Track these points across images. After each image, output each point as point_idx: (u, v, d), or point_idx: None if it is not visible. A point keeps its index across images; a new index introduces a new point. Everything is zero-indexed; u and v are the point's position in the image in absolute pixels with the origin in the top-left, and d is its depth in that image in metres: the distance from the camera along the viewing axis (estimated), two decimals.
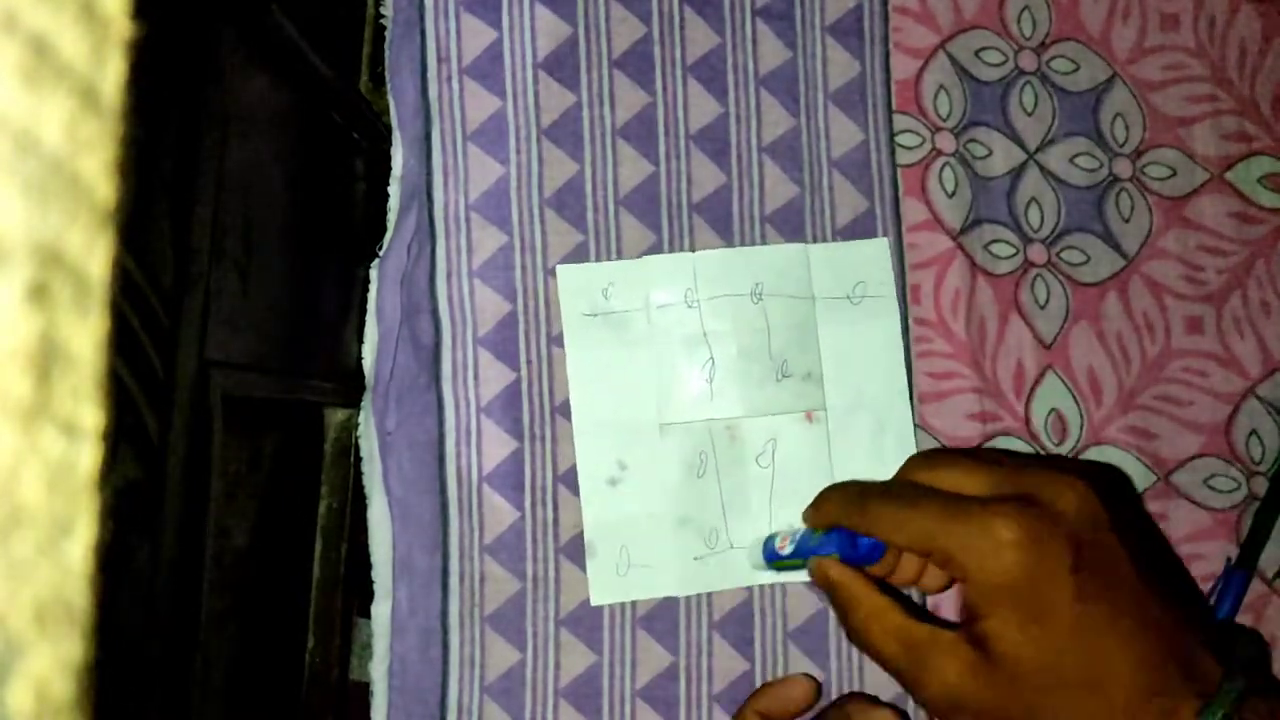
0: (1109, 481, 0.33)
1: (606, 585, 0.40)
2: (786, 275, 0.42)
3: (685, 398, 0.41)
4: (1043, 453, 0.42)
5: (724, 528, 0.41)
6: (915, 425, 0.42)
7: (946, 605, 0.41)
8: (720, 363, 0.41)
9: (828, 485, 0.37)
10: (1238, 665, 0.29)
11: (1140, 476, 0.42)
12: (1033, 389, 0.43)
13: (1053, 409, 0.43)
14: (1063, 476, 0.31)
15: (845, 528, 0.35)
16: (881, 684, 0.41)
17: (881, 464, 0.41)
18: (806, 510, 0.37)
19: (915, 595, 0.41)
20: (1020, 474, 0.32)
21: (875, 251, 0.42)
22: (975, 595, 0.30)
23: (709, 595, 0.41)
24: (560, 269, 0.41)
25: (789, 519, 0.40)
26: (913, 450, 0.41)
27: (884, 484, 0.36)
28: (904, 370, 0.42)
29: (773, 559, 0.38)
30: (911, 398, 0.42)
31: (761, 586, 0.41)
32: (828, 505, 0.36)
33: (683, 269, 0.41)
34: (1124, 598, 0.30)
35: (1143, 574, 0.31)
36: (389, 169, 0.42)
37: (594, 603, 0.40)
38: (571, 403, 0.40)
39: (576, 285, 0.41)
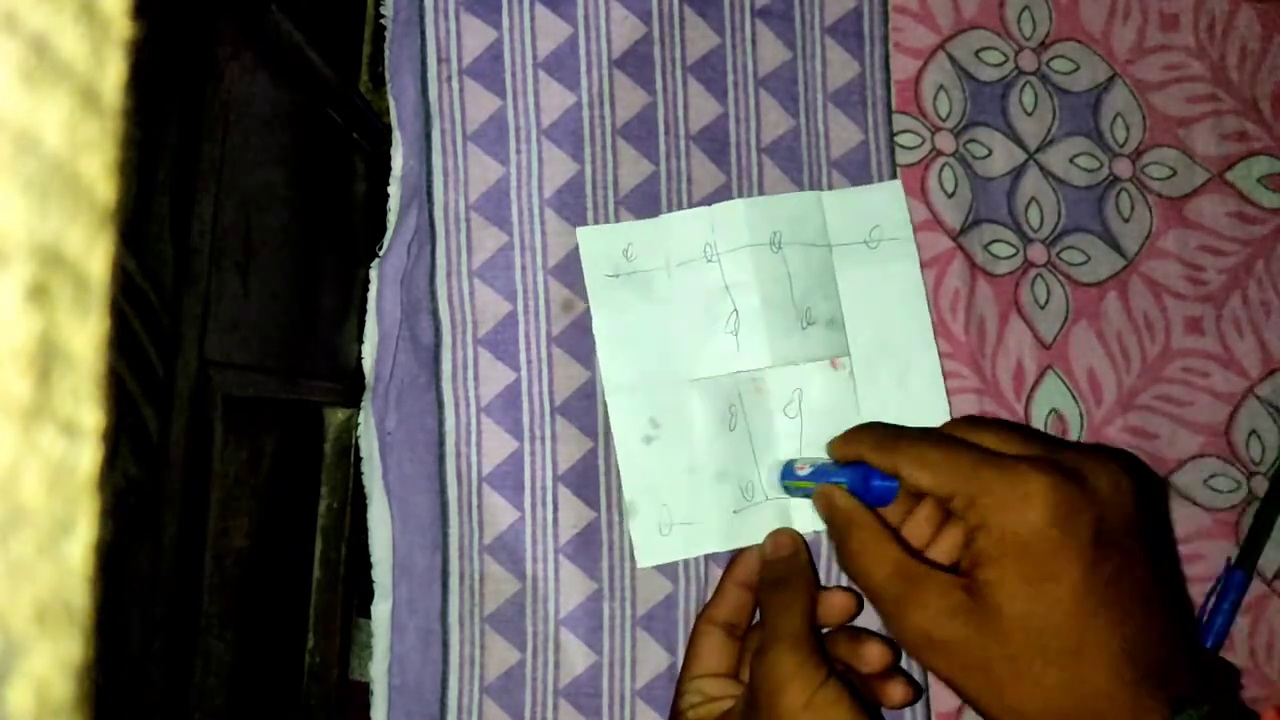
0: (1144, 481, 0.33)
1: (652, 547, 0.40)
2: (803, 223, 0.41)
3: (712, 352, 0.41)
4: None
5: (758, 480, 0.41)
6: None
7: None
8: (744, 314, 0.40)
9: (861, 423, 0.38)
10: (1211, 688, 0.29)
11: None
12: (1033, 389, 0.43)
13: (1053, 409, 0.43)
14: (1105, 461, 0.31)
15: (868, 464, 0.35)
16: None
17: (909, 407, 0.41)
18: (833, 441, 0.38)
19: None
20: (1061, 448, 0.32)
21: (889, 194, 0.42)
22: (987, 543, 0.30)
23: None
24: (580, 231, 0.41)
25: None
26: (941, 392, 0.42)
27: (919, 429, 0.36)
28: (926, 312, 0.42)
29: (788, 478, 0.39)
30: None
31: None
32: (856, 439, 0.36)
33: (700, 224, 0.41)
34: (1131, 588, 0.30)
35: (1154, 575, 0.31)
36: (389, 169, 0.42)
37: (640, 565, 0.40)
38: (600, 364, 0.40)
39: (597, 247, 0.41)
